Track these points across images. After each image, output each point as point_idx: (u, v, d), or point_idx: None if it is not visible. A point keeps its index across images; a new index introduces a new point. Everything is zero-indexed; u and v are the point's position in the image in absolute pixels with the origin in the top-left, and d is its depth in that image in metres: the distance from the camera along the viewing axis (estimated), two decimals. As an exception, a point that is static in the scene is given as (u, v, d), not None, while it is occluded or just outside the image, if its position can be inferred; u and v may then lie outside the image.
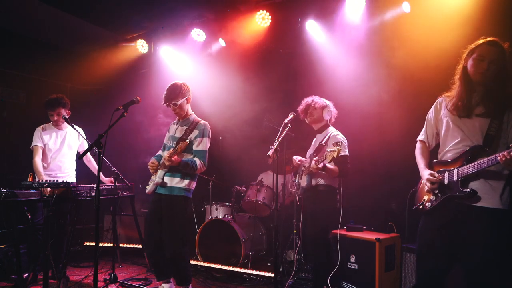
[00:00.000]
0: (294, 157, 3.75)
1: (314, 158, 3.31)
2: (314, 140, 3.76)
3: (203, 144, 3.37)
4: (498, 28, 3.26)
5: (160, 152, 3.63)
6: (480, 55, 2.28)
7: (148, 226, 3.48)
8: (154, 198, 3.43)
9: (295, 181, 3.76)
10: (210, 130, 3.44)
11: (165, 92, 3.35)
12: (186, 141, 3.23)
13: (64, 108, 4.13)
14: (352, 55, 4.47)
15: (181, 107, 3.38)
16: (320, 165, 3.19)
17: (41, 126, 4.19)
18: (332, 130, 3.58)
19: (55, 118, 4.12)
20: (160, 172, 3.37)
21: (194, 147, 3.35)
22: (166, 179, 3.35)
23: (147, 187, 3.49)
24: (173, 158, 3.16)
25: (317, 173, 3.42)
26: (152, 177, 3.49)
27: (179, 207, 3.32)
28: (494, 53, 2.25)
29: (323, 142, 3.49)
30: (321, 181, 3.47)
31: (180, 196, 3.32)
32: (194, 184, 3.43)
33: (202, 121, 3.44)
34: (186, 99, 3.40)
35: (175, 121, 3.57)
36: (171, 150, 3.22)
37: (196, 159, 3.32)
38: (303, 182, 3.55)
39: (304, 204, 3.68)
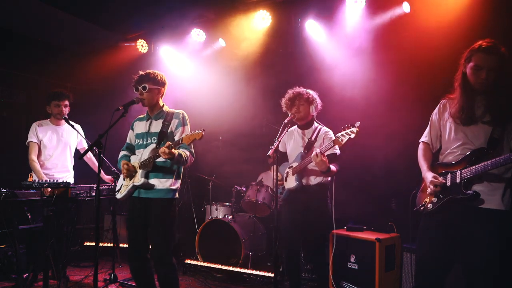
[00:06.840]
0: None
1: (317, 149, 3.06)
2: (295, 135, 3.46)
3: (187, 133, 2.96)
4: (498, 27, 3.27)
5: (125, 152, 3.21)
6: (477, 64, 2.23)
7: (134, 238, 3.01)
8: (134, 205, 3.01)
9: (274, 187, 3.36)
10: (188, 117, 3.10)
11: (138, 75, 3.02)
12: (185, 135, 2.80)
13: (69, 100, 4.12)
14: (352, 55, 4.47)
15: (151, 94, 2.99)
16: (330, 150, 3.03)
17: (37, 122, 4.13)
18: (318, 125, 3.41)
19: (62, 109, 4.06)
20: (141, 172, 2.94)
21: (177, 138, 2.95)
22: (153, 180, 2.95)
23: (118, 193, 3.09)
24: (173, 151, 2.75)
25: (308, 172, 3.28)
26: (122, 181, 3.11)
27: (170, 212, 2.96)
28: (492, 60, 2.20)
29: (313, 138, 3.33)
30: (313, 179, 3.29)
31: (170, 199, 2.96)
32: (179, 182, 3.09)
33: (177, 110, 3.10)
34: (159, 89, 3.05)
35: (141, 116, 3.21)
36: (168, 143, 2.76)
37: (184, 150, 2.93)
38: (291, 183, 3.31)
39: (293, 206, 3.35)
